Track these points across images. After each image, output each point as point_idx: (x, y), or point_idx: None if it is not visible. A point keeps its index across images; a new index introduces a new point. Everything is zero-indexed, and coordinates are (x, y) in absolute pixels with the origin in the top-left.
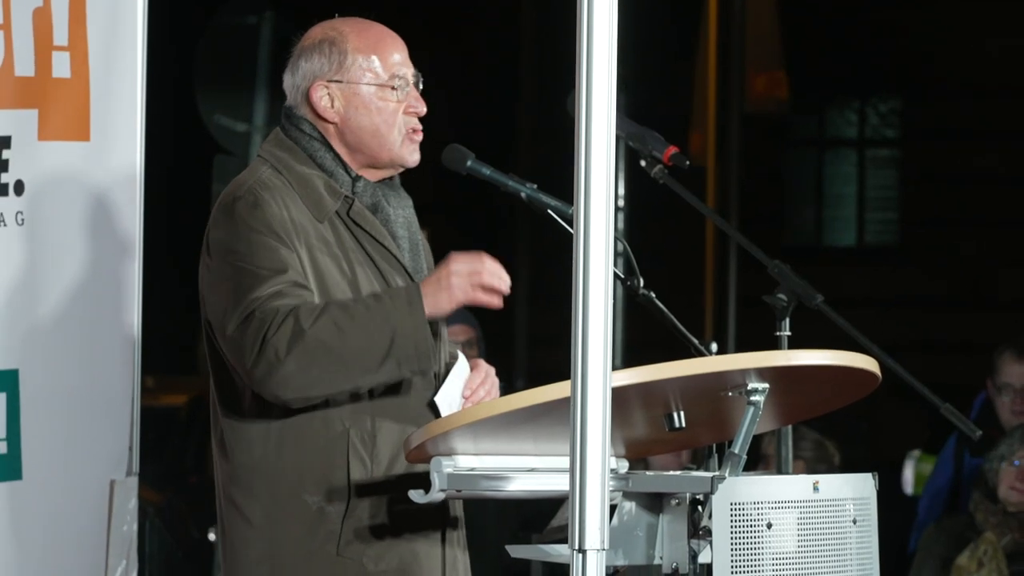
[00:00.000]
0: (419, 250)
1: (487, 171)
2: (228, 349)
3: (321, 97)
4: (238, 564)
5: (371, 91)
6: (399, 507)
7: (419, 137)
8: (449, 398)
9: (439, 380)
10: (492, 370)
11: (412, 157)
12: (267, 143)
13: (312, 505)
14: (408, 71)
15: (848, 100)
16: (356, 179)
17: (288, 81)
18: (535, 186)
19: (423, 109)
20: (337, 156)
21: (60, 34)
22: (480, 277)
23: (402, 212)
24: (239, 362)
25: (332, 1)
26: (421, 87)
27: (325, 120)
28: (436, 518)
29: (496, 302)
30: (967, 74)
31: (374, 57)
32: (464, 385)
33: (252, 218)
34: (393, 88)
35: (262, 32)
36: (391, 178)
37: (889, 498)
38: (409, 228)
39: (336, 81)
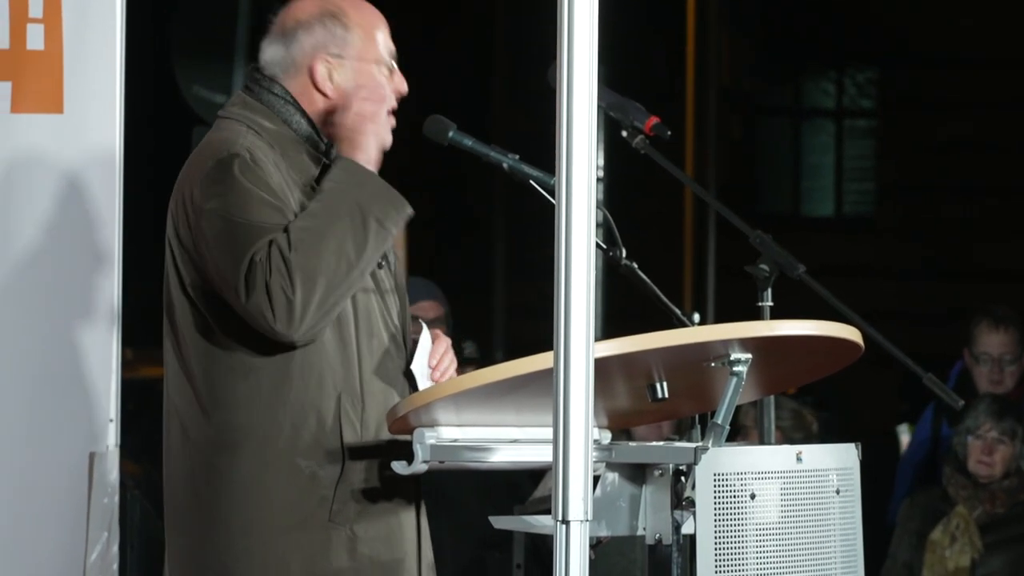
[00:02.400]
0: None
1: (469, 142)
2: (248, 312)
3: (323, 72)
4: (218, 534)
5: (371, 68)
6: (387, 473)
7: (393, 119)
8: (420, 367)
9: (407, 348)
10: (449, 341)
11: (389, 137)
12: (233, 106)
13: (304, 469)
14: (393, 48)
15: (825, 70)
16: (329, 146)
17: (277, 52)
18: (517, 156)
19: (405, 88)
20: (311, 122)
21: (35, 6)
22: (369, 102)
23: None
24: (259, 320)
25: None
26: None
27: (323, 94)
28: (413, 487)
29: (402, 88)
30: (944, 44)
31: (374, 32)
32: (428, 355)
33: (251, 174)
34: (387, 67)
35: (240, 3)
36: None
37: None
38: None
39: (337, 56)
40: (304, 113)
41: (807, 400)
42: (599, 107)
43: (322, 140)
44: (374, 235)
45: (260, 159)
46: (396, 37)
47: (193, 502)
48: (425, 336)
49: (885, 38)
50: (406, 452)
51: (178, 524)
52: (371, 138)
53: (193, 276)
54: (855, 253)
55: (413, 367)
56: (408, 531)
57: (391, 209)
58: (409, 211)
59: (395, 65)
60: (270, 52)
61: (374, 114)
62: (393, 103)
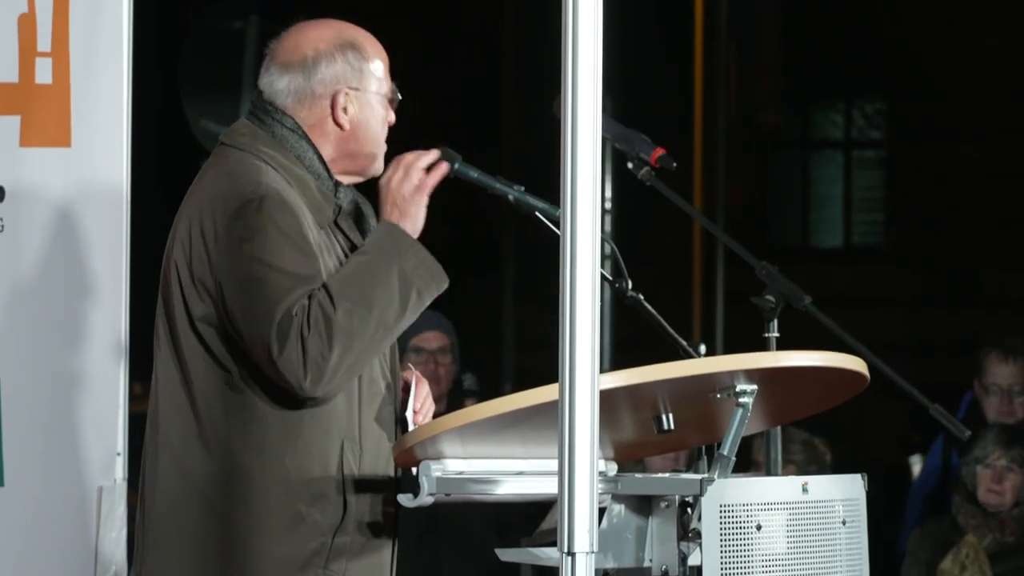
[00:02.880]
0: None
1: (475, 173)
2: (278, 369)
3: (342, 105)
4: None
5: (379, 100)
6: (377, 511)
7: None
8: (410, 412)
9: (395, 392)
10: (427, 385)
11: (382, 167)
12: (243, 136)
13: (306, 516)
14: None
15: (834, 101)
16: (337, 184)
17: (296, 81)
18: (522, 188)
19: (393, 118)
20: (321, 159)
21: (44, 40)
22: (415, 168)
23: (373, 220)
24: (290, 377)
25: (318, 5)
26: None
27: (339, 126)
28: (393, 525)
29: (441, 170)
30: (952, 75)
31: (379, 64)
32: (412, 399)
33: (282, 220)
34: (390, 99)
35: (247, 36)
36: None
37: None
38: None
39: (355, 89)
40: (315, 149)
41: (820, 431)
42: (605, 139)
43: (331, 178)
44: (413, 306)
45: (288, 202)
46: (405, 68)
47: (185, 541)
48: (415, 383)
49: (893, 69)
50: (393, 488)
51: (162, 562)
52: (423, 211)
53: (205, 313)
54: (864, 284)
55: (408, 414)
56: (385, 569)
57: (432, 281)
58: (446, 284)
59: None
60: (284, 81)
61: (430, 188)
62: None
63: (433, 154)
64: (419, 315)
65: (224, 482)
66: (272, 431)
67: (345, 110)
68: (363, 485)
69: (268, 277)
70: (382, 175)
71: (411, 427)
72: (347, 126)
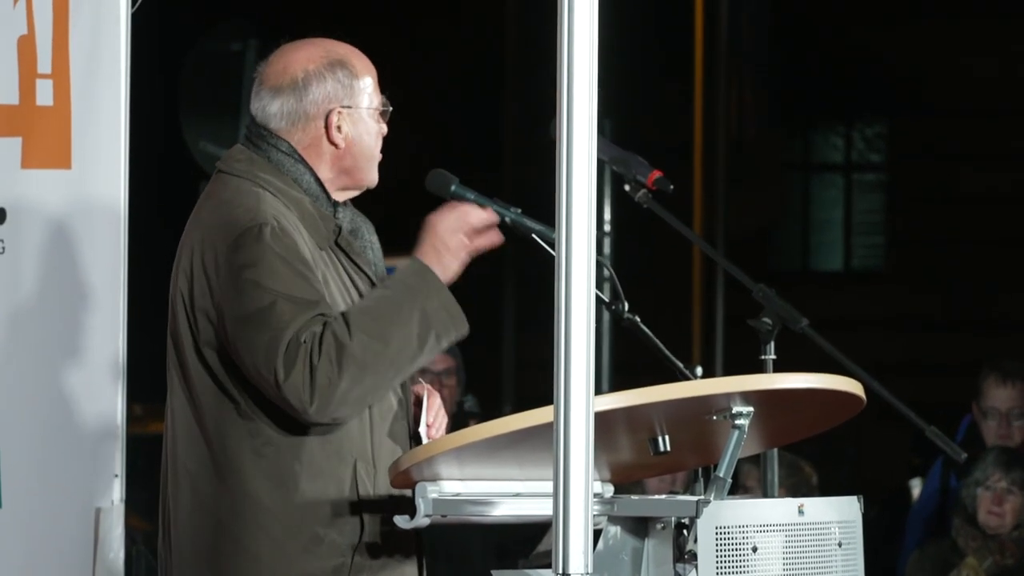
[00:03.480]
0: (386, 277)
1: (471, 195)
2: (282, 394)
3: (336, 123)
4: None
5: (371, 115)
6: (394, 530)
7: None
8: (423, 427)
9: (407, 407)
10: (439, 399)
11: (377, 176)
12: (239, 163)
13: (324, 537)
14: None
15: (834, 124)
16: (336, 205)
17: (288, 103)
18: (519, 210)
19: (385, 131)
20: (319, 180)
21: (44, 62)
22: (468, 226)
23: (373, 239)
24: (294, 402)
25: (317, 27)
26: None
27: (334, 145)
28: (416, 540)
29: (496, 238)
30: (952, 98)
31: (368, 79)
32: (424, 413)
33: (282, 248)
34: (381, 113)
35: (246, 59)
36: (347, 203)
37: (877, 522)
38: (377, 255)
39: (347, 107)
40: (311, 171)
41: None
42: (602, 161)
43: (329, 200)
44: (430, 348)
45: (287, 228)
46: (405, 90)
47: (205, 567)
48: (426, 396)
49: (893, 92)
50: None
51: None
52: (458, 266)
53: (209, 340)
54: (864, 307)
55: (421, 429)
56: None
57: (452, 327)
58: (466, 331)
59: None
60: (276, 105)
61: (475, 252)
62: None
63: (491, 216)
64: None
65: (240, 509)
66: (283, 457)
67: (339, 128)
68: (379, 503)
69: (271, 304)
70: (433, 213)
71: (424, 441)
72: (342, 144)
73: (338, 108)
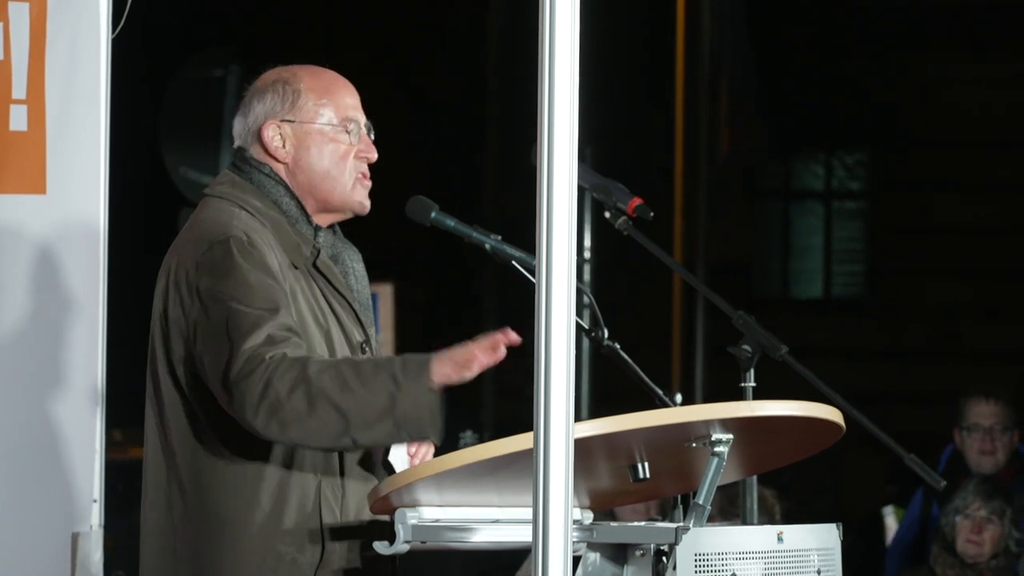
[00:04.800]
0: (370, 305)
1: (451, 222)
2: (231, 396)
3: (272, 137)
4: None
5: (324, 131)
6: (366, 554)
7: (368, 183)
8: (400, 456)
9: None
10: None
11: (363, 202)
12: (222, 185)
13: (285, 556)
14: (360, 117)
15: (814, 152)
16: (316, 228)
17: (239, 124)
18: (499, 237)
19: (374, 156)
20: (299, 203)
21: (19, 87)
22: (488, 358)
23: (358, 266)
24: (241, 406)
25: (299, 54)
26: (373, 137)
27: (276, 160)
28: (390, 567)
29: (495, 358)
30: (932, 127)
31: (327, 99)
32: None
33: (250, 260)
34: (346, 131)
35: (228, 85)
36: (334, 230)
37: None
38: (360, 282)
39: (288, 121)
40: (292, 193)
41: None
42: (582, 188)
43: (310, 222)
44: (385, 432)
45: (257, 242)
46: (387, 118)
47: None
48: None
49: (874, 120)
50: (385, 533)
51: None
52: (458, 377)
53: (180, 357)
54: (844, 335)
55: (391, 457)
56: None
57: (416, 423)
58: (433, 438)
59: (364, 130)
60: (236, 126)
61: (479, 368)
62: (363, 167)
63: (513, 338)
64: None
65: (203, 528)
66: (244, 476)
67: (284, 144)
68: (347, 526)
69: (235, 314)
70: (476, 345)
71: (396, 469)
72: (285, 160)
73: (275, 122)
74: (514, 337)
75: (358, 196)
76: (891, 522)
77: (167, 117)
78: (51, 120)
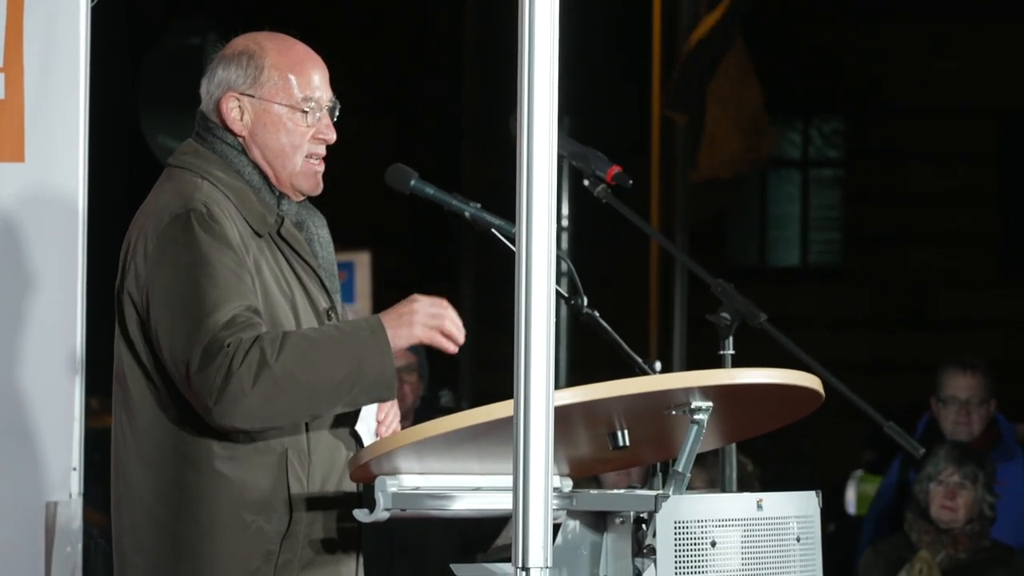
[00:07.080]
0: (335, 272)
1: (430, 190)
2: (191, 383)
3: (231, 109)
4: None
5: (282, 111)
6: (331, 526)
7: (320, 167)
8: (367, 425)
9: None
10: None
11: (309, 184)
12: (185, 155)
13: (251, 524)
14: (325, 96)
15: (791, 121)
16: (280, 196)
17: (204, 87)
18: (479, 205)
19: (332, 137)
20: (262, 173)
21: None
22: (441, 320)
23: (322, 232)
24: (200, 394)
25: (277, 22)
26: (337, 115)
27: (233, 132)
28: (356, 540)
29: (451, 347)
30: (909, 96)
31: (291, 76)
32: (376, 410)
33: (211, 234)
34: (304, 112)
35: (206, 53)
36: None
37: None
38: (326, 249)
39: (248, 95)
40: (255, 163)
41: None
42: (561, 156)
43: (273, 191)
44: (348, 401)
45: (217, 214)
46: (363, 87)
47: (141, 557)
48: None
49: (851, 88)
50: (352, 502)
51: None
52: (417, 330)
53: (138, 332)
54: (821, 303)
55: (359, 427)
56: None
57: (379, 386)
58: (392, 398)
59: (325, 110)
60: (201, 88)
61: (433, 332)
62: (319, 149)
63: (460, 332)
64: None
65: (168, 496)
66: (208, 443)
67: (241, 117)
68: (313, 496)
69: (194, 290)
70: (423, 295)
71: (373, 439)
72: (242, 132)
73: (235, 95)
74: (461, 337)
75: (307, 181)
76: (851, 490)
77: (145, 86)
78: (30, 88)
